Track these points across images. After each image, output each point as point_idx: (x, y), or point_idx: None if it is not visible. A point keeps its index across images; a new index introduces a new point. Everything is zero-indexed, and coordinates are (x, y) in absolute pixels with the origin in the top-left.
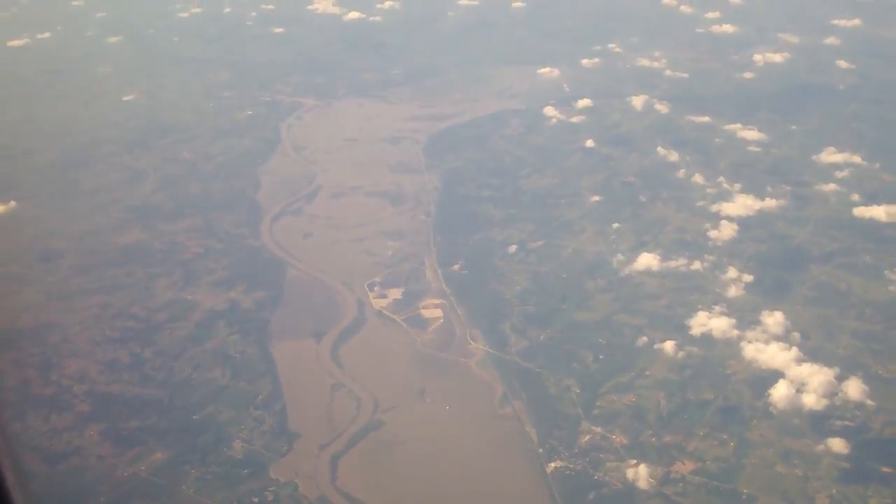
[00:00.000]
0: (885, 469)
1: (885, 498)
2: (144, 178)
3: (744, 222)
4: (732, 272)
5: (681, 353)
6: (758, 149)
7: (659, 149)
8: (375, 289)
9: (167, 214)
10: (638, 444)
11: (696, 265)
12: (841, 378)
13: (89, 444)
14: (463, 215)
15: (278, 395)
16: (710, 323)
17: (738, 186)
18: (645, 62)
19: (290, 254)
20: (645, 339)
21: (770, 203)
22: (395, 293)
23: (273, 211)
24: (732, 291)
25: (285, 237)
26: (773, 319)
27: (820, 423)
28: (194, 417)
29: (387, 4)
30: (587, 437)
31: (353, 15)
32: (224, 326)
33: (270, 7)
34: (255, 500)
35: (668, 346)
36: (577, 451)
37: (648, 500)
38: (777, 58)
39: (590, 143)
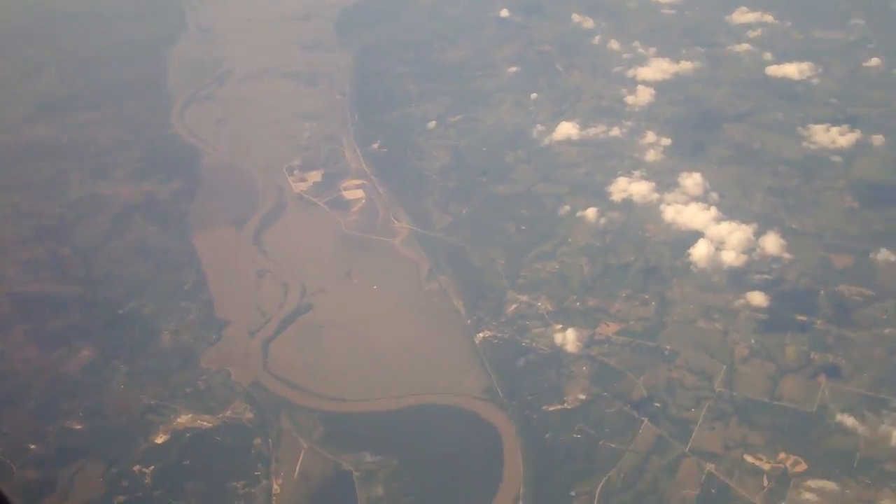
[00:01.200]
0: (800, 317)
1: (801, 345)
2: (46, 71)
3: (660, 86)
4: (650, 137)
5: (602, 220)
6: (671, 11)
7: (574, 15)
8: (295, 172)
9: (72, 107)
10: (563, 310)
11: (615, 131)
12: (758, 234)
13: (13, 346)
14: (379, 92)
15: (203, 284)
16: (631, 188)
17: (653, 51)
18: None
19: (204, 141)
20: (567, 207)
21: (685, 66)
22: (315, 176)
23: (183, 97)
24: (651, 155)
25: (198, 124)
26: (692, 181)
27: (739, 278)
28: (119, 313)
29: None
30: (514, 307)
31: None
32: (141, 219)
33: None
34: (189, 389)
35: (590, 213)
36: (504, 320)
37: (575, 361)
38: None
39: (504, 12)
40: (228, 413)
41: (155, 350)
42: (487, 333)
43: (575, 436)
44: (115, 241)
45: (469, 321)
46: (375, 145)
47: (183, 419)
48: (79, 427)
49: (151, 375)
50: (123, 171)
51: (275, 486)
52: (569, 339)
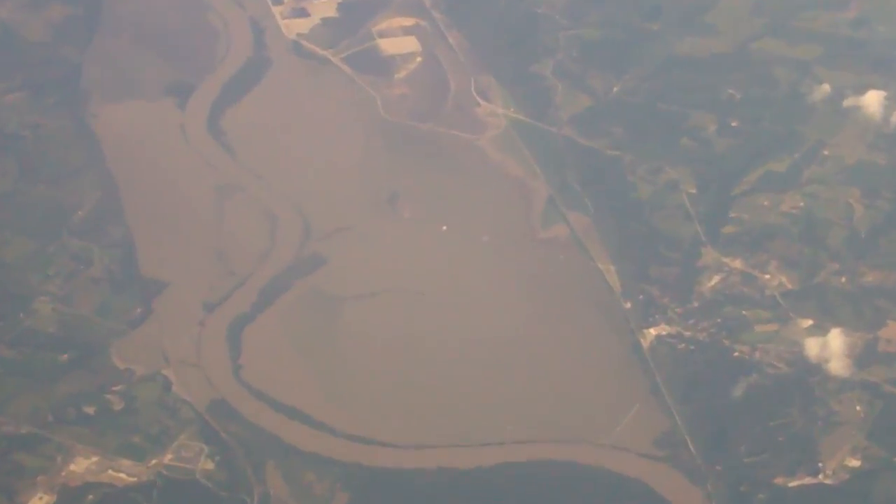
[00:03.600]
0: None
1: None
2: None
3: None
4: None
5: None
6: None
7: None
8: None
9: None
10: (815, 291)
11: None
12: None
13: None
14: None
15: (112, 208)
16: None
17: None
18: None
19: None
20: (824, 87)
21: None
22: (326, 5)
23: None
24: None
25: None
26: None
27: None
28: None
29: None
30: (715, 279)
31: None
32: None
33: None
34: (89, 409)
35: (870, 99)
36: (697, 304)
37: (843, 393)
38: None
39: None
40: (168, 459)
41: (22, 332)
42: (665, 330)
43: None
44: None
45: (629, 304)
46: None
47: (78, 466)
48: None
49: (16, 379)
50: None
51: None
52: (831, 348)
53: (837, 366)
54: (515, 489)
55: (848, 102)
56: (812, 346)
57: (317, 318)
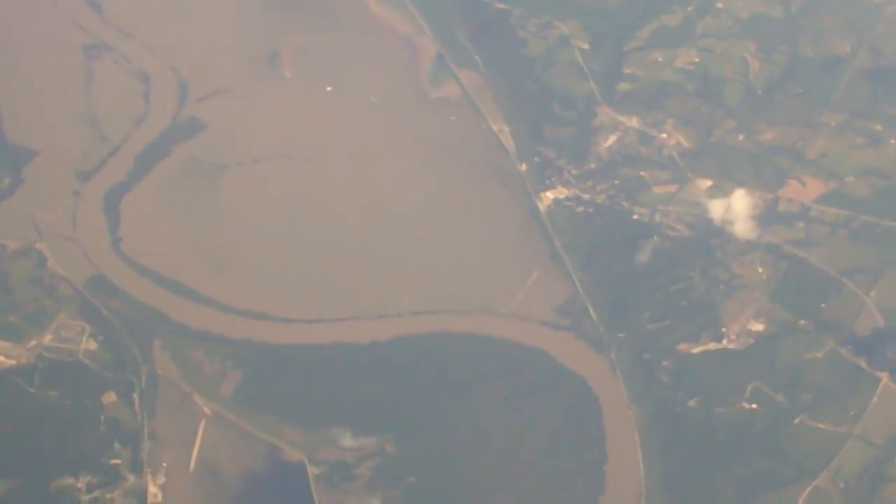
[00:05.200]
0: None
1: None
2: None
3: None
4: None
5: None
6: None
7: None
8: None
9: None
10: (711, 149)
11: None
12: None
13: None
14: None
15: None
16: None
17: None
18: None
19: None
20: None
21: None
22: None
23: None
24: None
25: None
26: None
27: None
28: None
29: None
30: (612, 138)
31: None
32: None
33: None
34: None
35: None
36: (594, 166)
37: (745, 255)
38: None
39: None
40: (48, 339)
41: None
42: (562, 193)
43: (745, 406)
44: None
45: (524, 167)
46: None
47: None
48: None
49: None
50: None
51: (151, 490)
52: (735, 210)
53: (741, 228)
54: (414, 362)
55: None
56: (716, 208)
57: (198, 186)
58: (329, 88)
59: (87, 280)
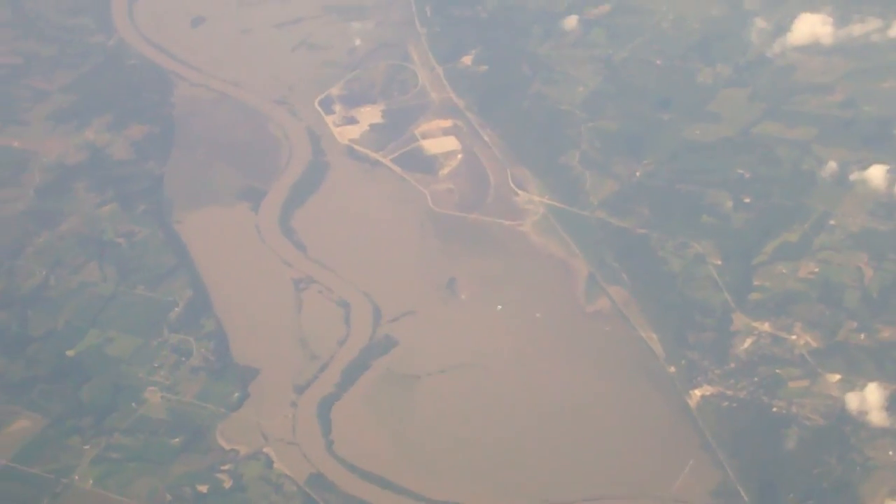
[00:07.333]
0: None
1: None
2: None
3: None
4: None
5: None
6: None
7: None
8: (335, 108)
9: None
10: (838, 347)
11: None
12: None
13: None
14: None
15: (204, 303)
16: None
17: None
18: None
19: (174, 56)
20: (831, 165)
21: None
22: (372, 113)
23: None
24: None
25: (159, 26)
26: None
27: None
28: (67, 356)
29: None
30: (748, 341)
31: None
32: (85, 190)
33: None
34: (202, 488)
35: (874, 173)
36: (734, 365)
37: (878, 440)
38: None
39: None
40: None
41: (136, 420)
42: (709, 390)
43: None
44: (48, 231)
45: (672, 368)
46: (468, 59)
47: None
48: None
49: (134, 464)
50: (46, 110)
51: None
52: (870, 401)
53: (876, 417)
54: None
55: (854, 176)
56: (852, 400)
57: (395, 394)
58: (499, 307)
59: (307, 478)
